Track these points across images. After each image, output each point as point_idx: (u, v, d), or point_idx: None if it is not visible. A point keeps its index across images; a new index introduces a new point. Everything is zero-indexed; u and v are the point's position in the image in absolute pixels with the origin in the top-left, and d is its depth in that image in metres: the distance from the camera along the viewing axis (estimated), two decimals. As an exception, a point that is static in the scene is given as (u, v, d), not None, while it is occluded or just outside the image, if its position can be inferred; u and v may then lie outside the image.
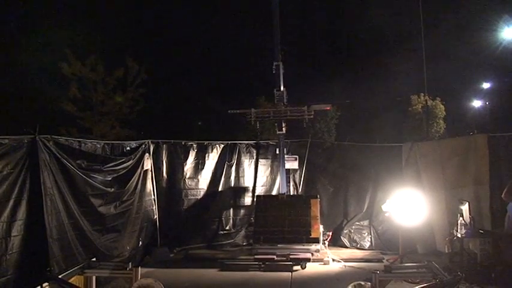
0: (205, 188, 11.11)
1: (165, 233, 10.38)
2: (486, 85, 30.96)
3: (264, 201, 10.17)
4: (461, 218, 7.84)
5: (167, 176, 10.67)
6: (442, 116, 24.36)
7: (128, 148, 9.40)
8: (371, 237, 10.36)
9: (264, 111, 10.77)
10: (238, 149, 11.51)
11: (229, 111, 10.87)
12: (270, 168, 11.58)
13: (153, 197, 10.22)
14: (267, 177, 11.58)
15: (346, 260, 9.22)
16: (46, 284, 4.87)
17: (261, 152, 11.62)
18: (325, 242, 9.73)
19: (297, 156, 11.01)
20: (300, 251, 9.04)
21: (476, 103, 32.71)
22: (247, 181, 11.50)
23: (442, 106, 24.20)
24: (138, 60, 19.54)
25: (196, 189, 11.03)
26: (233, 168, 11.42)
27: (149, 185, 10.09)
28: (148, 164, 9.94)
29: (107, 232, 8.13)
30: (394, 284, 6.19)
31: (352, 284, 4.99)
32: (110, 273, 5.98)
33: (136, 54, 19.94)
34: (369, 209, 10.60)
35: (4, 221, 5.87)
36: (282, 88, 10.32)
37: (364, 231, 10.47)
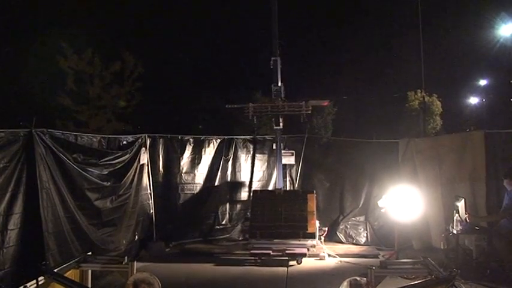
0: (202, 182, 11.10)
1: (161, 227, 10.36)
2: (483, 82, 31.05)
3: (261, 196, 10.13)
4: (457, 215, 7.87)
5: (163, 171, 10.65)
6: (439, 113, 24.45)
7: (125, 142, 9.36)
8: (367, 233, 10.35)
9: (262, 106, 10.72)
10: (235, 144, 11.49)
11: (227, 106, 10.83)
12: (266, 163, 11.56)
13: (149, 191, 10.19)
14: (264, 172, 11.56)
15: (341, 256, 9.24)
16: (42, 277, 4.85)
17: (258, 147, 11.59)
18: (321, 237, 9.72)
19: (293, 152, 10.95)
20: (296, 246, 9.01)
21: (473, 100, 32.82)
22: (244, 176, 11.48)
23: (438, 102, 24.31)
24: (135, 54, 19.49)
25: (192, 183, 11.01)
26: (230, 163, 11.39)
27: (145, 179, 10.06)
28: (144, 158, 9.92)
29: (103, 226, 8.11)
30: (390, 280, 6.17)
31: (347, 280, 4.96)
32: (106, 267, 5.98)
33: (134, 49, 19.91)
34: (365, 204, 10.57)
35: (0, 214, 5.85)
36: (279, 83, 10.28)
37: (360, 227, 10.47)
